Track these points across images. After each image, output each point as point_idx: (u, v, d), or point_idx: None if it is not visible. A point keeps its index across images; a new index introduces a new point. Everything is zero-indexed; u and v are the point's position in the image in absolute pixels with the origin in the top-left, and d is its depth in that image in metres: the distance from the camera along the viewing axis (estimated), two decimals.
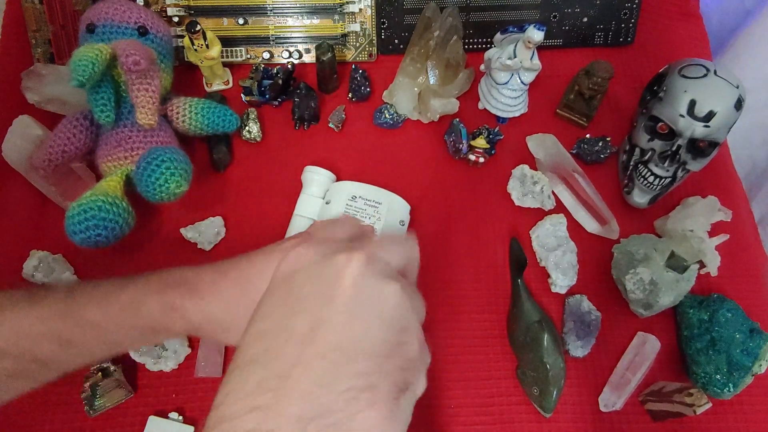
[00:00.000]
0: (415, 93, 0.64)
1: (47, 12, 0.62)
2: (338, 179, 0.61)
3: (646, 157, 0.59)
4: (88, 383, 0.51)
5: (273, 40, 0.67)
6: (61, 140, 0.54)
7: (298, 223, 0.58)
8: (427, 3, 0.64)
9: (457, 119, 0.62)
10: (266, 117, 0.65)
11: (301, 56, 0.67)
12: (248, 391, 0.25)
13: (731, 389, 0.52)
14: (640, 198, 0.61)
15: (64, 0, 0.63)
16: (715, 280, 0.60)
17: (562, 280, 0.57)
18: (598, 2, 0.68)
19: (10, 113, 0.58)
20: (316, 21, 0.66)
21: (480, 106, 0.67)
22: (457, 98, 0.64)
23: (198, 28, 0.57)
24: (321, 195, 0.59)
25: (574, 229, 0.61)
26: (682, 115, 0.55)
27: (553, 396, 0.51)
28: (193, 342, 0.55)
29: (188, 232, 0.59)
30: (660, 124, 0.58)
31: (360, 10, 0.67)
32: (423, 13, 0.62)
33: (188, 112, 0.58)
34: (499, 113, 0.65)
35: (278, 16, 0.66)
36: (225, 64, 0.66)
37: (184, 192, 0.53)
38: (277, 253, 0.37)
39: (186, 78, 0.66)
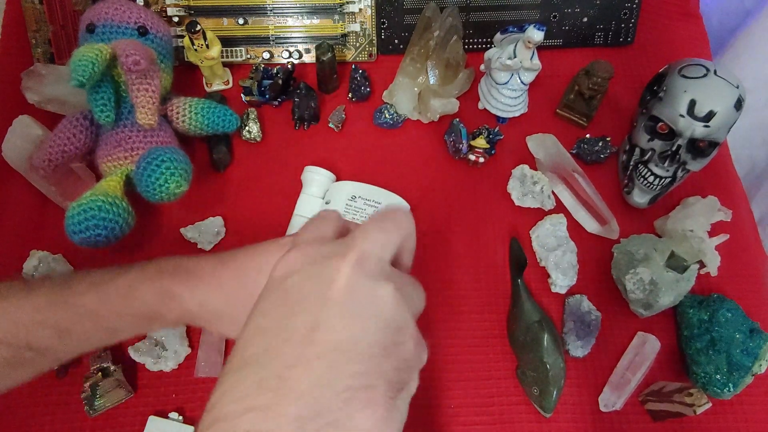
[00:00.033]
0: (415, 93, 0.64)
1: (47, 12, 0.62)
2: (338, 179, 0.61)
3: (646, 157, 0.59)
4: (88, 383, 0.51)
5: (273, 40, 0.67)
6: (61, 140, 0.54)
7: (298, 223, 0.58)
8: (427, 3, 0.64)
9: (457, 119, 0.62)
10: (266, 117, 0.65)
11: (301, 56, 0.67)
12: (245, 392, 0.24)
13: (731, 389, 0.52)
14: (640, 198, 0.61)
15: (64, 0, 0.63)
16: (715, 280, 0.60)
17: (562, 280, 0.57)
18: (598, 2, 0.68)
19: (10, 113, 0.58)
20: (316, 21, 0.66)
21: (480, 106, 0.67)
22: (457, 98, 0.64)
23: (198, 28, 0.57)
24: (321, 195, 0.59)
25: (574, 229, 0.61)
26: (682, 115, 0.55)
27: (553, 396, 0.51)
28: (193, 342, 0.55)
29: (188, 232, 0.59)
30: (660, 124, 0.58)
31: (360, 10, 0.67)
32: (423, 13, 0.62)
33: (188, 112, 0.58)
34: (499, 113, 0.65)
35: (278, 16, 0.66)
36: (225, 64, 0.66)
37: (184, 192, 0.53)
38: (275, 248, 0.37)
39: (186, 78, 0.66)
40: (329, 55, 0.61)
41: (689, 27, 0.75)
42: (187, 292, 0.40)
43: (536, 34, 0.55)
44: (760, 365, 0.52)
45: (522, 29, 0.59)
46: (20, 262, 0.56)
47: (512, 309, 0.57)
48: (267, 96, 0.63)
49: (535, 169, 0.63)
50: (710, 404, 0.51)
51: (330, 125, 0.65)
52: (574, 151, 0.64)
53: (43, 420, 0.52)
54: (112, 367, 0.52)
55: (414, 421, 0.54)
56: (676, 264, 0.55)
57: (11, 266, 0.56)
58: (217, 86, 0.66)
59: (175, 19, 0.64)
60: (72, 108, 0.59)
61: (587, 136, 0.65)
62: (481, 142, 0.62)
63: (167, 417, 0.52)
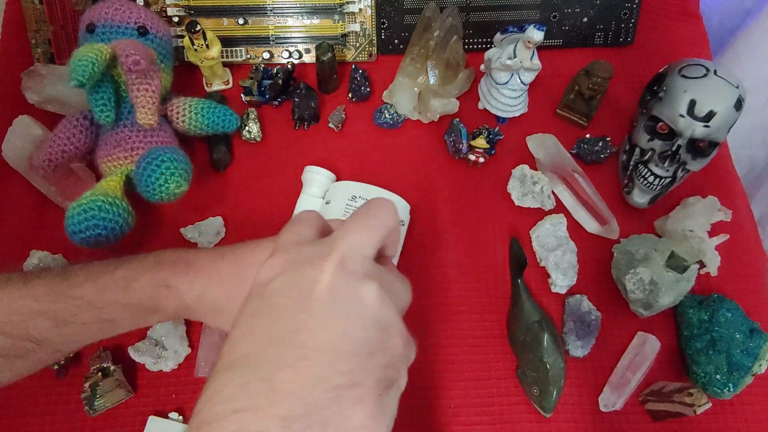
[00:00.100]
0: (415, 93, 0.64)
1: (47, 12, 0.62)
2: (338, 179, 0.61)
3: (646, 157, 0.59)
4: (88, 383, 0.51)
5: (273, 40, 0.67)
6: (61, 140, 0.54)
7: None
8: (427, 3, 0.64)
9: (457, 119, 0.62)
10: (266, 117, 0.65)
11: (301, 56, 0.67)
12: (230, 394, 0.24)
13: (731, 389, 0.52)
14: (640, 198, 0.61)
15: (64, 0, 0.63)
16: (715, 280, 0.60)
17: (562, 280, 0.57)
18: (598, 2, 0.68)
19: (10, 113, 0.58)
20: (316, 21, 0.66)
21: (480, 106, 0.67)
22: (457, 98, 0.64)
23: (198, 28, 0.57)
24: (321, 195, 0.59)
25: (574, 229, 0.61)
26: (682, 115, 0.55)
27: (553, 396, 0.51)
28: (193, 342, 0.55)
29: (188, 232, 0.59)
30: (660, 124, 0.58)
31: (360, 10, 0.67)
32: (423, 13, 0.62)
33: (188, 112, 0.58)
34: (499, 113, 0.65)
35: (278, 16, 0.66)
36: (225, 64, 0.66)
37: (184, 192, 0.53)
38: (273, 245, 0.37)
39: (186, 78, 0.66)
40: (329, 55, 0.61)
41: (689, 27, 0.75)
42: (185, 285, 0.40)
43: (536, 34, 0.55)
44: (760, 365, 0.52)
45: (522, 29, 0.59)
46: (20, 261, 0.56)
47: (512, 309, 0.57)
48: (267, 96, 0.63)
49: (535, 169, 0.63)
50: (710, 404, 0.51)
51: (330, 125, 0.65)
52: (574, 151, 0.64)
53: (43, 420, 0.52)
54: (112, 367, 0.52)
55: (414, 421, 0.54)
56: (676, 264, 0.55)
57: (11, 266, 0.56)
58: (217, 86, 0.66)
59: (175, 19, 0.64)
60: (72, 108, 0.59)
61: (587, 136, 0.65)
62: (481, 142, 0.62)
63: (167, 417, 0.52)
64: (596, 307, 0.57)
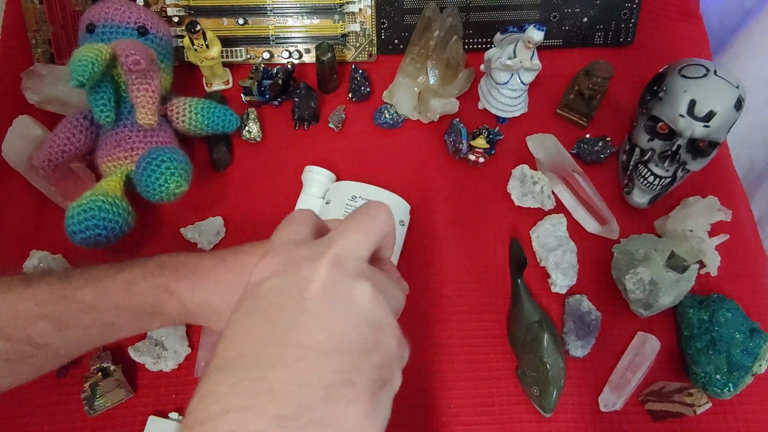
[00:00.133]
0: (415, 93, 0.64)
1: (47, 12, 0.62)
2: (338, 179, 0.61)
3: (646, 157, 0.59)
4: (88, 383, 0.51)
5: (273, 40, 0.67)
6: (61, 140, 0.54)
7: None
8: (427, 3, 0.64)
9: (457, 119, 0.62)
10: (266, 117, 0.65)
11: (301, 56, 0.67)
12: (223, 394, 0.24)
13: (731, 389, 0.52)
14: (640, 198, 0.61)
15: (64, 0, 0.63)
16: (715, 280, 0.60)
17: (562, 280, 0.57)
18: (598, 2, 0.68)
19: (10, 113, 0.58)
20: (316, 21, 0.66)
21: (480, 106, 0.67)
22: (457, 98, 0.64)
23: (198, 28, 0.57)
24: (321, 195, 0.59)
25: (574, 229, 0.61)
26: (682, 115, 0.55)
27: (553, 396, 0.51)
28: (193, 342, 0.55)
29: (188, 232, 0.59)
30: (660, 124, 0.58)
31: (360, 10, 0.67)
32: (423, 13, 0.62)
33: (188, 112, 0.58)
34: (499, 113, 0.65)
35: (278, 16, 0.66)
36: (225, 64, 0.66)
37: (184, 192, 0.53)
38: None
39: (186, 78, 0.66)
40: (329, 55, 0.61)
41: (689, 27, 0.75)
42: (187, 290, 0.40)
43: (536, 34, 0.55)
44: (760, 365, 0.52)
45: (522, 29, 0.59)
46: (20, 262, 0.56)
47: (512, 309, 0.57)
48: (267, 96, 0.63)
49: (535, 169, 0.63)
50: (710, 404, 0.51)
51: (330, 125, 0.65)
52: (574, 151, 0.64)
53: (43, 420, 0.52)
54: (112, 367, 0.52)
55: (414, 421, 0.54)
56: (676, 264, 0.55)
57: (11, 266, 0.56)
58: (217, 86, 0.66)
59: (175, 19, 0.64)
60: (72, 108, 0.59)
61: (587, 136, 0.65)
62: (481, 142, 0.62)
63: (167, 417, 0.52)
64: (596, 307, 0.57)
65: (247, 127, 0.63)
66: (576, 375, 0.56)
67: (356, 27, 0.67)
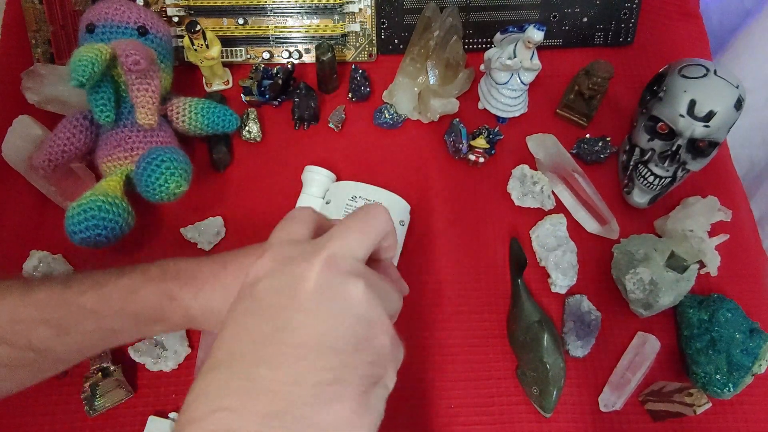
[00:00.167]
0: (415, 93, 0.64)
1: (47, 12, 0.62)
2: (338, 179, 0.61)
3: (646, 157, 0.59)
4: (88, 383, 0.51)
5: (273, 40, 0.67)
6: (61, 140, 0.54)
7: None
8: (427, 3, 0.64)
9: (457, 119, 0.62)
10: (266, 117, 0.65)
11: (301, 56, 0.67)
12: (213, 394, 0.25)
13: (731, 389, 0.52)
14: (640, 198, 0.61)
15: (64, 0, 0.63)
16: (715, 280, 0.60)
17: (562, 280, 0.57)
18: (598, 2, 0.68)
19: (10, 113, 0.58)
20: (316, 21, 0.66)
21: (480, 106, 0.67)
22: (457, 98, 0.64)
23: (198, 28, 0.57)
24: (321, 195, 0.59)
25: (574, 229, 0.61)
26: (682, 115, 0.55)
27: (553, 396, 0.51)
28: (193, 342, 0.55)
29: (188, 232, 0.59)
30: (660, 124, 0.58)
31: (360, 10, 0.67)
32: (423, 13, 0.62)
33: (188, 112, 0.58)
34: (499, 113, 0.65)
35: (278, 16, 0.66)
36: (225, 64, 0.66)
37: (184, 192, 0.53)
38: None
39: (186, 78, 0.66)
40: (329, 55, 0.61)
41: (689, 27, 0.75)
42: (189, 296, 0.40)
43: (536, 34, 0.55)
44: (760, 365, 0.52)
45: (522, 29, 0.59)
46: (20, 262, 0.56)
47: (512, 309, 0.57)
48: (267, 96, 0.63)
49: (535, 169, 0.63)
50: (710, 404, 0.51)
51: (330, 125, 0.65)
52: (574, 151, 0.64)
53: (43, 420, 0.52)
54: (112, 367, 0.52)
55: (414, 421, 0.54)
56: (676, 264, 0.55)
57: (11, 266, 0.56)
58: (217, 86, 0.66)
59: (175, 19, 0.64)
60: (72, 108, 0.59)
61: (587, 136, 0.65)
62: (481, 142, 0.62)
63: (167, 417, 0.52)
64: (596, 307, 0.57)
65: (247, 127, 0.63)
66: (576, 375, 0.56)
67: (356, 27, 0.67)
